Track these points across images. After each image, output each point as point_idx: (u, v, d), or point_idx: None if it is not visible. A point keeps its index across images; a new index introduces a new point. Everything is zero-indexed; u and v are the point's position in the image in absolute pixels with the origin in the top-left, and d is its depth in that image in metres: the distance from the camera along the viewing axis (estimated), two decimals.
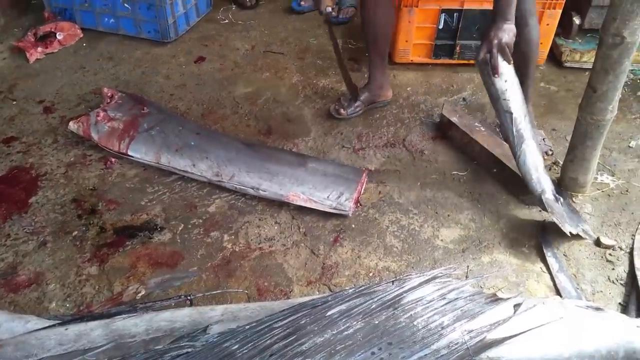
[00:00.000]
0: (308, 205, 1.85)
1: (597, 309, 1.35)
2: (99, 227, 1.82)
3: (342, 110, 2.30)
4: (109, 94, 2.23)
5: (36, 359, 1.12)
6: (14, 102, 2.39)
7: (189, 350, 1.13)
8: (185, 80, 2.58)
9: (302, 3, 3.18)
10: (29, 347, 1.14)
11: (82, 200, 1.92)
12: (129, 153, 2.03)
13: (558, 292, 1.59)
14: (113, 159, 2.07)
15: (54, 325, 1.24)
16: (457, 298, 1.28)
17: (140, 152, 2.02)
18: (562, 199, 1.85)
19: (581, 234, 1.77)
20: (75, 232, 1.80)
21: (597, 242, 1.78)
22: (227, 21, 3.08)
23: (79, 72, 2.60)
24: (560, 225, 1.74)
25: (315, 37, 2.95)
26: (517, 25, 1.77)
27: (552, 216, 1.77)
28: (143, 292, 1.53)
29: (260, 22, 3.08)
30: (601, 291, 1.64)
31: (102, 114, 2.12)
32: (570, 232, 1.74)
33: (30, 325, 1.27)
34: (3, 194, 1.91)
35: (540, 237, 1.80)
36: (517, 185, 1.93)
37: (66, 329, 1.20)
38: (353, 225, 1.85)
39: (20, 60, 2.66)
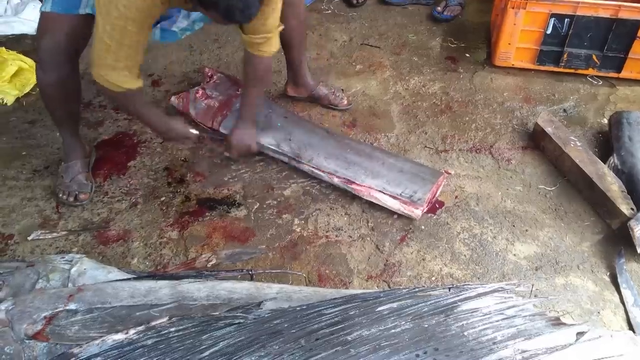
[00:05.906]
0: (375, 199, 1.85)
1: None
2: (184, 196, 1.96)
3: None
4: (209, 74, 2.36)
5: (109, 306, 1.25)
6: None
7: (241, 321, 1.19)
8: (282, 67, 2.65)
9: None
10: (105, 295, 1.27)
11: (174, 169, 2.07)
12: (221, 130, 2.15)
13: (632, 328, 1.47)
14: (205, 135, 2.21)
15: (129, 279, 1.37)
16: (515, 315, 1.23)
17: (229, 130, 2.14)
18: None
19: None
20: (163, 198, 1.95)
21: None
22: (329, 11, 3.12)
23: (187, 51, 2.78)
24: (636, 244, 1.63)
25: (415, 33, 2.91)
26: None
27: (632, 231, 1.65)
28: (214, 262, 1.62)
29: (362, 15, 3.08)
30: None
31: (200, 92, 2.26)
32: None
33: (111, 275, 1.41)
34: (107, 156, 2.12)
35: (616, 265, 1.67)
36: (607, 207, 1.79)
37: (139, 284, 1.32)
38: (422, 227, 1.82)
39: None
